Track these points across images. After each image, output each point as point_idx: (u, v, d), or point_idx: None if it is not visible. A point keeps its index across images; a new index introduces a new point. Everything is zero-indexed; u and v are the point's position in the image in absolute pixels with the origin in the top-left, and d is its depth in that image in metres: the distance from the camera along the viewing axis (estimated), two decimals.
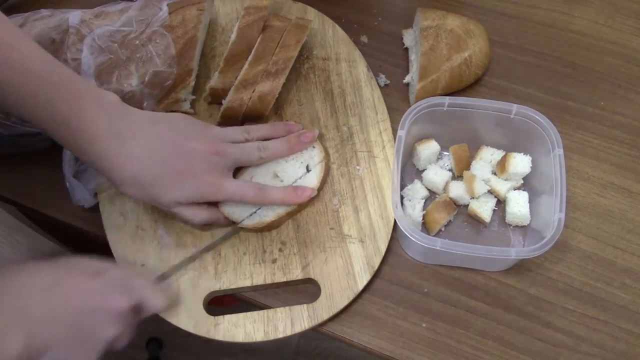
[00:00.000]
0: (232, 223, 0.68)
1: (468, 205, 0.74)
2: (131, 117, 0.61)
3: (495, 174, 0.75)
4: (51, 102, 0.56)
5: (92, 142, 0.58)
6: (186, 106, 0.75)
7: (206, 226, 0.68)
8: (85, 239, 0.72)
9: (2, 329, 0.49)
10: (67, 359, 0.54)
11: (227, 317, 0.65)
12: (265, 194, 0.67)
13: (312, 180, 0.71)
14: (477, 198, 0.73)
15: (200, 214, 0.65)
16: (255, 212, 0.68)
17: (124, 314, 0.56)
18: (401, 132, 0.69)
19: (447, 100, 0.71)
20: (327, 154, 0.73)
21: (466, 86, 0.81)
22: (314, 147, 0.72)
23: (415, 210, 0.72)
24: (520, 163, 0.72)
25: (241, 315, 0.66)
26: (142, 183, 0.61)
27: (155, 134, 0.62)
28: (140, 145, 0.60)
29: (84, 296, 0.55)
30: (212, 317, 0.65)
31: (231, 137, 0.68)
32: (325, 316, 0.66)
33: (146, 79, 0.71)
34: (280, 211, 0.69)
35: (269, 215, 0.68)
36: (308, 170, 0.71)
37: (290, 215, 0.70)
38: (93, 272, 0.56)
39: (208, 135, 0.66)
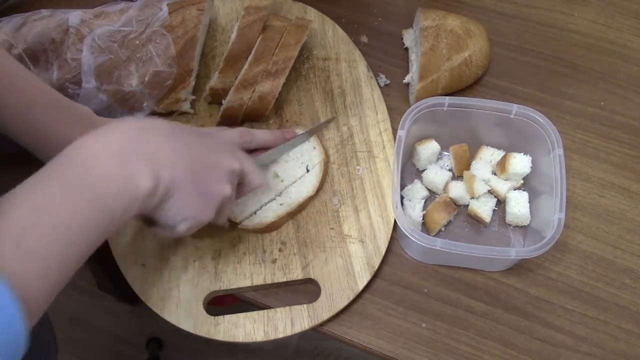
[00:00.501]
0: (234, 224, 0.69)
1: (468, 205, 0.74)
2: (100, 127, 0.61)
3: (495, 174, 0.75)
4: (29, 115, 0.57)
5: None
6: (186, 106, 0.75)
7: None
8: None
9: (133, 167, 0.48)
10: (188, 209, 0.54)
11: (227, 317, 0.65)
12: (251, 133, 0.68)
13: (311, 180, 0.71)
14: (477, 198, 0.73)
15: None
16: (255, 213, 0.69)
17: (235, 174, 0.58)
18: (401, 132, 0.69)
19: (447, 100, 0.71)
20: (326, 155, 0.73)
21: (466, 86, 0.81)
22: (314, 147, 0.72)
23: (415, 210, 0.72)
24: (520, 163, 0.72)
25: (241, 315, 0.66)
26: None
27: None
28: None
29: (201, 149, 0.55)
30: (212, 317, 0.65)
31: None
32: (325, 316, 0.66)
33: (146, 79, 0.71)
34: (281, 211, 0.69)
35: (268, 216, 0.68)
36: (307, 171, 0.71)
37: (291, 215, 0.70)
38: (204, 132, 0.58)
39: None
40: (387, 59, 0.84)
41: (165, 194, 0.52)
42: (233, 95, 0.73)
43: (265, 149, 0.71)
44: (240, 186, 0.61)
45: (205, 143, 0.56)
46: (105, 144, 0.49)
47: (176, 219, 0.55)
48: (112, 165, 0.47)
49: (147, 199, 0.50)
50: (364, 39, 0.85)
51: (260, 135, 0.70)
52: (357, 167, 0.74)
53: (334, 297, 0.67)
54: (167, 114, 0.75)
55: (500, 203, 0.75)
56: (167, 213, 0.54)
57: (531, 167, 0.72)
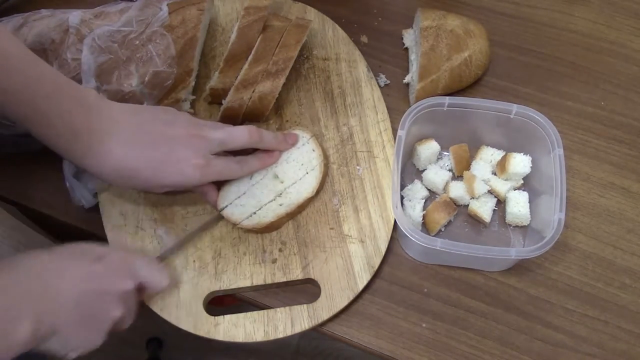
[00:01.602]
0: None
1: (468, 205, 0.74)
2: (110, 112, 0.62)
3: (495, 174, 0.75)
4: (33, 99, 0.57)
5: (73, 140, 0.59)
6: (186, 106, 0.75)
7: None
8: (85, 239, 0.72)
9: (10, 316, 0.50)
10: (75, 341, 0.56)
11: (227, 317, 0.65)
12: (245, 164, 0.69)
13: (311, 182, 0.71)
14: (477, 198, 0.73)
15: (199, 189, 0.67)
16: (254, 213, 0.69)
17: (128, 294, 0.58)
18: (401, 132, 0.69)
19: (447, 100, 0.71)
20: (325, 157, 0.73)
21: (466, 86, 0.81)
22: (313, 150, 0.72)
23: (415, 210, 0.72)
24: (520, 163, 0.72)
25: (241, 315, 0.66)
26: (124, 176, 0.62)
27: (135, 126, 0.63)
28: (120, 140, 0.61)
29: (88, 280, 0.56)
30: (212, 317, 0.65)
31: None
32: (325, 316, 0.66)
33: (146, 79, 0.71)
34: (280, 212, 0.69)
35: (268, 216, 0.68)
36: (307, 173, 0.71)
37: (290, 216, 0.70)
38: (95, 257, 0.58)
39: (190, 121, 0.66)
40: (387, 59, 0.84)
41: (47, 334, 0.53)
42: (233, 95, 0.73)
43: (267, 150, 0.71)
44: (141, 292, 0.62)
45: (95, 271, 0.56)
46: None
47: (63, 351, 0.56)
48: None
49: (27, 343, 0.51)
50: (364, 39, 0.85)
51: (267, 136, 0.70)
52: (357, 167, 0.74)
53: (334, 297, 0.67)
54: None
55: (500, 203, 0.75)
56: (52, 347, 0.55)
57: (531, 167, 0.72)
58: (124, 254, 0.60)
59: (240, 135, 0.67)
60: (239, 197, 0.69)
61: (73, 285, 0.55)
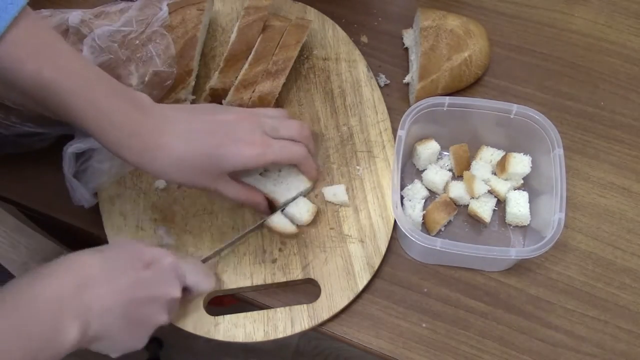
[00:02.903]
0: (269, 212, 0.70)
1: (468, 205, 0.74)
2: (162, 110, 0.63)
3: (495, 174, 0.75)
4: (93, 100, 0.58)
5: (132, 138, 0.60)
6: None
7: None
8: (85, 239, 0.72)
9: (61, 319, 0.51)
10: (119, 345, 0.57)
11: (227, 317, 0.65)
12: (307, 158, 0.69)
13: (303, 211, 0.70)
14: (477, 198, 0.73)
15: (239, 191, 0.67)
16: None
17: (176, 300, 0.59)
18: (401, 132, 0.69)
19: (447, 100, 0.71)
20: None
21: (466, 86, 0.81)
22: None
23: (415, 210, 0.72)
24: (520, 163, 0.72)
25: (241, 315, 0.66)
26: (186, 169, 0.62)
27: (187, 120, 0.63)
28: (176, 135, 0.61)
29: (137, 288, 0.56)
30: (212, 317, 0.65)
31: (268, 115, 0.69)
32: (325, 316, 0.66)
33: (146, 79, 0.71)
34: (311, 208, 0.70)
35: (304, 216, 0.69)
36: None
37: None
38: (145, 262, 0.58)
39: (239, 107, 0.69)
40: (387, 59, 0.84)
41: (94, 339, 0.54)
42: (233, 95, 0.73)
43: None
44: (187, 292, 0.63)
45: (145, 279, 0.57)
46: (46, 289, 0.52)
47: (107, 352, 0.58)
48: (43, 318, 0.50)
49: (74, 347, 0.52)
50: (364, 39, 0.85)
51: (311, 143, 0.70)
52: (357, 167, 0.74)
53: (334, 297, 0.67)
54: None
55: (500, 203, 0.75)
56: (96, 348, 0.56)
57: (531, 167, 0.72)
58: (172, 259, 0.60)
59: (293, 124, 0.68)
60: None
61: (122, 292, 0.55)
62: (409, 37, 0.84)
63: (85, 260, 0.55)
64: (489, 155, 0.76)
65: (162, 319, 0.59)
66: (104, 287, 0.54)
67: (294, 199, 0.70)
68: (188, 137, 0.62)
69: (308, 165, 0.69)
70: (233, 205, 0.71)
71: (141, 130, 0.60)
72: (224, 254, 0.69)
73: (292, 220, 0.70)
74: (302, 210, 0.69)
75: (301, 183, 0.70)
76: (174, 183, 0.64)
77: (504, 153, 0.75)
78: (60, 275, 0.53)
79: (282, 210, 0.70)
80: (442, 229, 0.73)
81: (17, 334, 0.49)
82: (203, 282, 0.64)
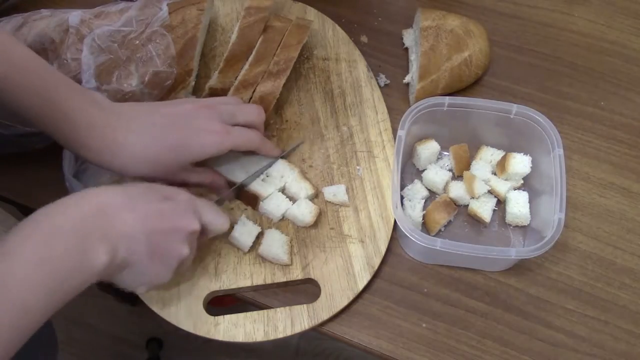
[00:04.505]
0: (232, 185, 0.70)
1: (468, 205, 0.74)
2: (121, 108, 0.64)
3: (495, 174, 0.75)
4: (50, 99, 0.59)
5: (90, 136, 0.60)
6: None
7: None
8: None
9: (90, 243, 0.51)
10: (145, 275, 0.58)
11: (227, 317, 0.65)
12: (263, 138, 0.71)
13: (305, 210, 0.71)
14: (477, 198, 0.73)
15: (203, 175, 0.68)
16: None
17: (195, 233, 0.60)
18: (401, 132, 0.69)
19: (447, 100, 0.71)
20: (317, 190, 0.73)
21: (466, 86, 0.81)
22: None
23: (415, 210, 0.72)
24: (520, 163, 0.72)
25: (241, 315, 0.66)
26: (149, 164, 0.63)
27: (146, 115, 0.64)
28: (136, 132, 0.62)
29: (158, 218, 0.57)
30: (212, 317, 0.65)
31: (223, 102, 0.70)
32: (325, 316, 0.66)
33: (146, 79, 0.71)
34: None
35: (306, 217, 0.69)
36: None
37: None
38: (163, 196, 0.59)
39: (196, 100, 0.70)
40: (387, 59, 0.84)
41: (121, 266, 0.55)
42: (233, 95, 0.73)
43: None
44: (203, 234, 0.63)
45: (164, 209, 0.58)
46: (69, 218, 0.52)
47: (134, 285, 0.59)
48: (71, 243, 0.51)
49: (103, 272, 0.53)
50: (364, 39, 0.85)
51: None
52: (357, 167, 0.74)
53: (334, 297, 0.67)
54: None
55: (500, 203, 0.75)
56: (124, 280, 0.58)
57: (531, 167, 0.72)
58: (189, 195, 0.61)
59: (250, 109, 0.70)
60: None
61: (144, 220, 0.56)
62: (409, 37, 0.84)
63: (104, 192, 0.56)
64: (489, 155, 0.76)
65: (184, 251, 0.59)
66: (125, 213, 0.55)
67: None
68: (148, 132, 0.62)
69: (267, 148, 0.71)
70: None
71: (99, 129, 0.60)
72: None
73: (294, 222, 0.70)
74: (305, 212, 0.69)
75: (302, 191, 0.71)
76: (138, 177, 0.65)
77: (504, 153, 0.75)
78: (81, 204, 0.54)
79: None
80: (442, 229, 0.73)
81: (43, 262, 0.49)
82: (218, 221, 0.64)
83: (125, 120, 0.62)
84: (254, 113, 0.70)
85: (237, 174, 0.71)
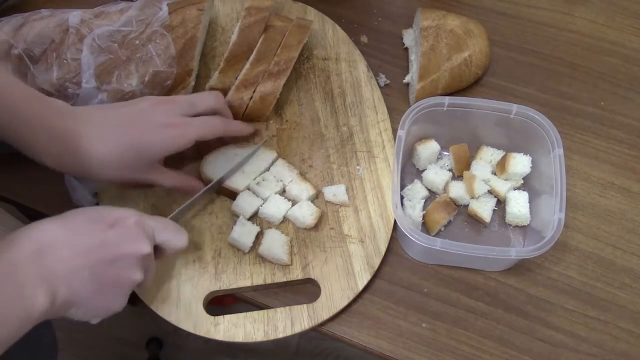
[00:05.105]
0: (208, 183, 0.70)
1: (468, 205, 0.74)
2: (80, 112, 0.63)
3: (495, 174, 0.75)
4: (8, 105, 0.58)
5: (50, 141, 0.60)
6: None
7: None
8: None
9: (27, 288, 0.50)
10: (95, 309, 0.56)
11: (227, 317, 0.65)
12: (228, 121, 0.71)
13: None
14: (477, 198, 0.73)
15: (174, 178, 0.68)
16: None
17: (148, 256, 0.58)
18: (401, 132, 0.69)
19: (447, 100, 0.71)
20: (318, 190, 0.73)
21: (466, 86, 0.81)
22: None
23: (415, 210, 0.72)
24: (520, 163, 0.72)
25: (241, 315, 0.66)
26: (109, 166, 0.62)
27: (104, 117, 0.64)
28: (94, 134, 0.61)
29: (102, 248, 0.55)
30: (212, 317, 0.65)
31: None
32: (325, 316, 0.66)
33: (146, 79, 0.71)
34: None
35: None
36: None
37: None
38: (109, 222, 0.57)
39: (152, 96, 0.69)
40: (387, 59, 0.84)
41: (65, 306, 0.53)
42: (233, 94, 0.73)
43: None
44: (161, 251, 0.62)
45: (108, 239, 0.56)
46: (4, 262, 0.50)
47: (86, 318, 0.57)
48: (9, 288, 0.49)
49: (44, 316, 0.51)
50: (364, 39, 0.85)
51: (227, 110, 0.72)
52: (357, 167, 0.74)
53: (334, 297, 0.67)
54: None
55: (500, 203, 0.75)
56: (75, 315, 0.55)
57: (531, 167, 0.72)
58: (138, 217, 0.59)
59: (207, 96, 0.70)
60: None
61: (86, 254, 0.54)
62: (409, 37, 0.84)
63: (44, 227, 0.54)
64: (489, 155, 0.76)
65: (136, 277, 0.57)
66: (65, 250, 0.53)
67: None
68: (107, 133, 0.62)
69: (234, 129, 0.71)
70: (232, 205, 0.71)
71: (59, 134, 0.60)
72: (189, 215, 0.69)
73: (294, 223, 0.70)
74: (306, 213, 0.69)
75: (303, 193, 0.71)
76: (104, 181, 0.64)
77: (504, 153, 0.75)
78: (19, 244, 0.51)
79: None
80: (442, 229, 0.73)
81: None
82: (175, 239, 0.62)
83: (83, 126, 0.61)
84: (212, 98, 0.70)
85: (220, 172, 0.70)
